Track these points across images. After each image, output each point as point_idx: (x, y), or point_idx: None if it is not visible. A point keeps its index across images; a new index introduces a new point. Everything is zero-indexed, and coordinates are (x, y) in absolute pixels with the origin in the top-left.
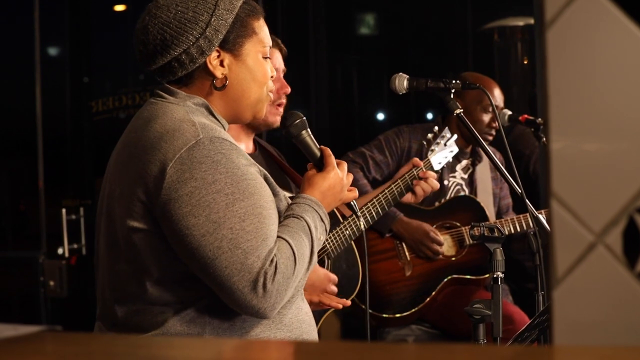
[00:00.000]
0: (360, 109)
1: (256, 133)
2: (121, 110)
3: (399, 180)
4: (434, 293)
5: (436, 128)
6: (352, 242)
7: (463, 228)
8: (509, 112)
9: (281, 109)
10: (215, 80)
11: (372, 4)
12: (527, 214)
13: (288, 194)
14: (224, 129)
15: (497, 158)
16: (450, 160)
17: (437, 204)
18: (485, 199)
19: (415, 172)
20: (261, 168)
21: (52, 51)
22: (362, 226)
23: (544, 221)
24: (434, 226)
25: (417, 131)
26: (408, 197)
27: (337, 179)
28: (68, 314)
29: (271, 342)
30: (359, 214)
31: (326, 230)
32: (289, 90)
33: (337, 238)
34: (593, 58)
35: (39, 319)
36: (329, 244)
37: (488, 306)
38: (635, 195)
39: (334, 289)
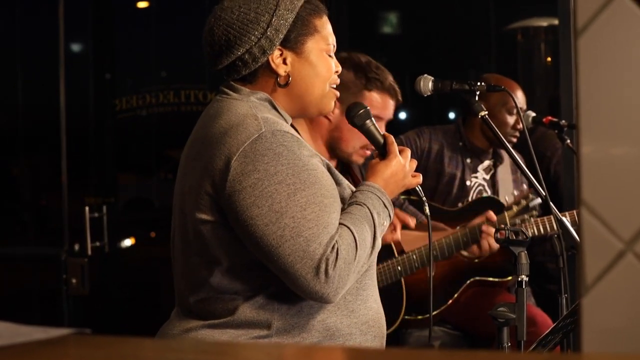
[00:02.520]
0: None
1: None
2: (144, 108)
3: (468, 230)
4: (456, 295)
5: (524, 186)
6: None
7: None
8: (533, 114)
9: (368, 152)
10: (279, 78)
11: (396, 3)
12: (551, 216)
13: None
14: (288, 123)
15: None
16: (531, 220)
17: (460, 204)
18: (510, 193)
19: (487, 227)
20: (324, 158)
21: (76, 48)
22: (427, 211)
23: (568, 224)
24: (458, 227)
25: (437, 132)
26: (473, 250)
27: (399, 166)
28: (89, 311)
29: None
30: (424, 199)
31: (390, 216)
32: None
33: (388, 271)
34: (624, 65)
35: (61, 317)
36: (378, 274)
37: (512, 309)
38: None
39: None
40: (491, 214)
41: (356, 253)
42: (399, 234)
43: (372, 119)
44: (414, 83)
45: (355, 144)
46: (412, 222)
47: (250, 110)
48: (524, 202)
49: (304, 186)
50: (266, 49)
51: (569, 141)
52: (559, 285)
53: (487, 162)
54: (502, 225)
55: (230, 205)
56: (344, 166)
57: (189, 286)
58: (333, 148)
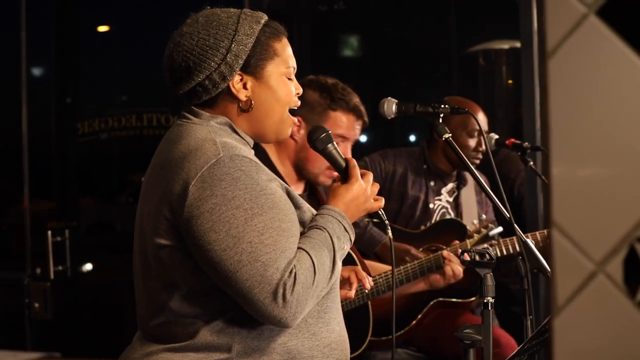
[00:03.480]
0: None
1: (306, 182)
2: (107, 132)
3: (432, 257)
4: (419, 316)
5: (483, 216)
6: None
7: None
8: (496, 136)
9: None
10: (240, 103)
11: (357, 26)
12: (514, 238)
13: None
14: (249, 146)
15: (483, 181)
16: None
17: (422, 227)
18: (471, 222)
19: (448, 253)
20: (283, 182)
21: (38, 72)
22: (390, 234)
23: (532, 245)
24: (420, 249)
25: (402, 155)
26: (436, 278)
27: (360, 190)
28: (52, 335)
29: None
30: (386, 222)
31: (351, 239)
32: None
33: (355, 294)
34: (594, 86)
35: (24, 341)
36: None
37: (478, 331)
38: (636, 224)
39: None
40: (455, 243)
41: (314, 277)
42: (353, 293)
43: (334, 142)
44: (378, 106)
45: (321, 165)
46: (368, 284)
47: (209, 134)
48: (484, 231)
49: (262, 211)
50: (226, 75)
51: (532, 163)
52: (522, 306)
53: (450, 185)
54: (468, 247)
55: (188, 230)
56: (311, 188)
57: (149, 310)
58: (300, 169)
